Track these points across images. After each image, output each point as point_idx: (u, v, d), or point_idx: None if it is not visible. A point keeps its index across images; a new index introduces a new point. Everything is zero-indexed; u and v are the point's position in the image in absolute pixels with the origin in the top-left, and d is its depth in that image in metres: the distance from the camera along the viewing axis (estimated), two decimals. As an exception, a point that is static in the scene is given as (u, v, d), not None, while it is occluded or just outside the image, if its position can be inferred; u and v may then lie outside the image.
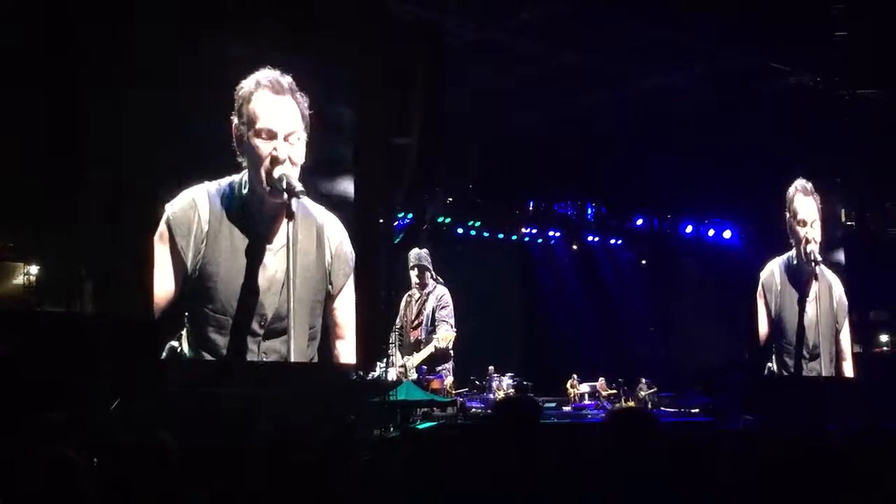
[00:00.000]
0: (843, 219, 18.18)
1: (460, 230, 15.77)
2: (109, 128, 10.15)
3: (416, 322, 13.58)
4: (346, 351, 11.13)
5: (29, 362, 8.27)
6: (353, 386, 11.39)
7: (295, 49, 11.13)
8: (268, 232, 10.53)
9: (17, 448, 3.60)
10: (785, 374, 16.26)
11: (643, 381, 15.32)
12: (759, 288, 16.46)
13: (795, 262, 16.70)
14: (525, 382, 13.87)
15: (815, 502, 3.52)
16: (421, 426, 10.20)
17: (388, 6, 11.91)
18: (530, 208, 16.43)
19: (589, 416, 13.91)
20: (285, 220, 10.52)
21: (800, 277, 16.68)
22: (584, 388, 15.30)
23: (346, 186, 11.80)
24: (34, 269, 10.51)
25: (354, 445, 5.68)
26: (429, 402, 11.79)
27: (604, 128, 14.20)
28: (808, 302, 16.59)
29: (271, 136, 10.48)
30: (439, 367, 12.90)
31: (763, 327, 16.38)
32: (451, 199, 14.98)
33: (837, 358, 16.92)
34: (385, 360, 12.40)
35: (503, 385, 13.49)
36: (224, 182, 10.45)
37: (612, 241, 17.95)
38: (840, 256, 17.42)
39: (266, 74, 10.67)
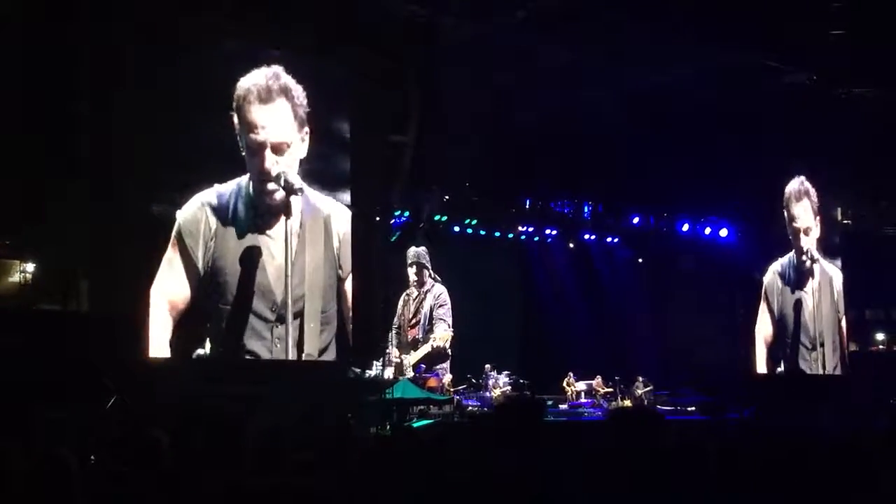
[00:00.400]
0: (840, 217, 18.23)
1: (457, 228, 15.75)
2: (104, 127, 10.17)
3: (413, 321, 13.57)
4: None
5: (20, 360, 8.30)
6: (349, 384, 11.42)
7: (291, 47, 11.16)
8: (273, 225, 10.98)
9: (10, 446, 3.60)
10: (789, 370, 16.35)
11: (639, 379, 15.32)
12: (762, 292, 16.58)
13: (795, 261, 16.81)
14: (521, 381, 13.87)
15: (810, 500, 3.52)
16: (416, 424, 10.20)
17: (385, 4, 11.91)
18: (527, 206, 16.41)
19: (586, 415, 13.92)
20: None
21: (800, 276, 16.78)
22: (581, 386, 15.29)
23: (343, 185, 11.87)
24: (30, 267, 10.52)
25: (351, 443, 5.66)
26: (425, 401, 11.78)
27: (600, 126, 14.19)
28: (809, 297, 16.71)
29: (262, 146, 10.81)
30: (437, 367, 12.89)
31: (768, 329, 16.48)
32: (447, 196, 14.97)
33: (841, 347, 17.04)
34: (382, 359, 12.41)
35: (499, 383, 13.48)
36: (231, 183, 10.85)
37: (609, 240, 17.94)
38: (836, 255, 17.47)
39: (255, 80, 10.86)
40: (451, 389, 12.73)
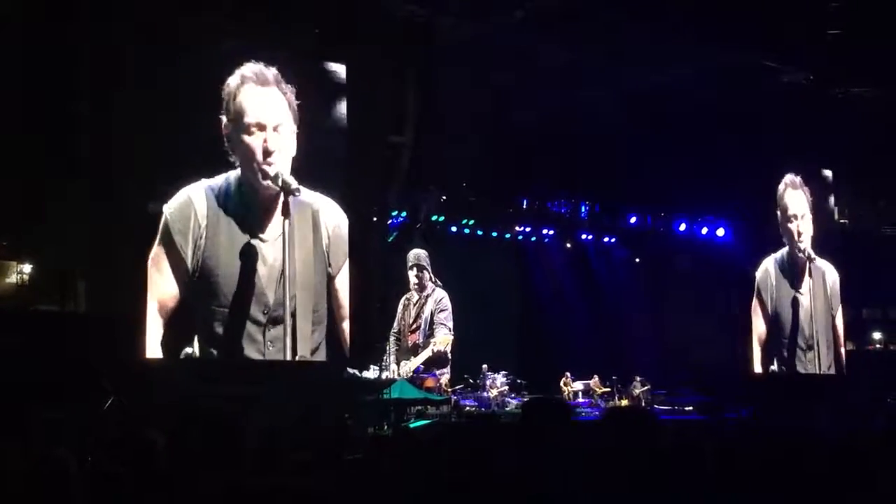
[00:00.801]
0: (837, 216, 18.24)
1: (454, 228, 15.75)
2: (104, 127, 10.17)
3: (413, 326, 13.50)
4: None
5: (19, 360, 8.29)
6: (345, 384, 11.40)
7: (291, 46, 11.16)
8: (264, 224, 10.77)
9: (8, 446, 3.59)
10: (783, 369, 16.34)
11: (637, 378, 15.32)
12: (756, 287, 16.53)
13: (788, 257, 16.76)
14: (519, 381, 13.88)
15: (808, 500, 3.52)
16: (414, 425, 10.19)
17: (384, 4, 11.91)
18: (524, 206, 16.42)
19: (583, 415, 13.91)
20: (280, 212, 10.70)
21: (794, 272, 16.75)
22: (578, 385, 15.30)
23: (339, 184, 11.83)
24: (27, 268, 10.51)
25: (348, 444, 5.67)
26: (423, 401, 11.77)
27: (598, 126, 14.20)
28: (803, 295, 16.68)
29: (261, 127, 10.64)
30: (437, 372, 12.85)
31: (761, 325, 16.44)
32: (444, 197, 14.97)
33: (835, 345, 17.03)
34: (381, 363, 12.36)
35: (497, 383, 13.47)
36: (220, 178, 10.62)
37: (606, 239, 17.94)
38: (831, 253, 17.46)
39: (250, 67, 10.77)
40: (449, 390, 12.72)
